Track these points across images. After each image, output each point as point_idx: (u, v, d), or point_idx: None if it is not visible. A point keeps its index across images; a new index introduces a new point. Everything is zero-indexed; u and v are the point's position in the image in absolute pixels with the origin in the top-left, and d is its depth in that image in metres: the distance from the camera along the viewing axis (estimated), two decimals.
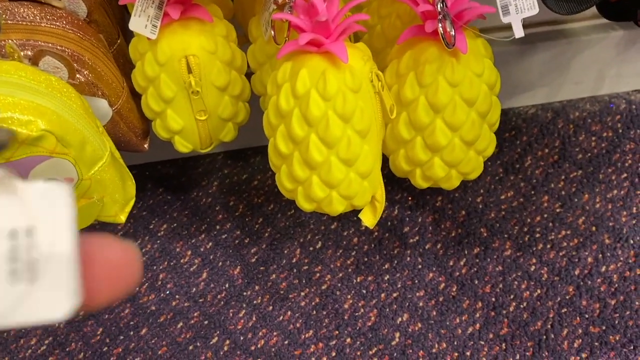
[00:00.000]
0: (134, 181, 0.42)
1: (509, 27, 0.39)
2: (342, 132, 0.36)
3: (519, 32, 0.37)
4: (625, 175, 0.61)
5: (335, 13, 0.34)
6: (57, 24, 0.37)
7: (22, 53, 0.35)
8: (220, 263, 0.58)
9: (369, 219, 0.41)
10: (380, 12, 0.41)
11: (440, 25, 0.35)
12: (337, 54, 0.34)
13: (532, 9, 0.37)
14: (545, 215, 0.59)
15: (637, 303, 0.53)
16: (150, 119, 0.44)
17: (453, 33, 0.35)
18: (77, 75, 0.36)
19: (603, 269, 0.55)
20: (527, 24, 0.62)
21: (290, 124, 0.36)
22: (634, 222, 0.58)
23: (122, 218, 0.41)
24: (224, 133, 0.45)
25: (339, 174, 0.37)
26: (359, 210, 0.49)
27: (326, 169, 0.37)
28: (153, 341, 0.53)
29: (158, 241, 0.59)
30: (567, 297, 0.54)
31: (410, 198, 0.60)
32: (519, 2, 0.36)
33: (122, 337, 0.54)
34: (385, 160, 0.48)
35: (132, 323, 0.54)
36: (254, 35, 0.42)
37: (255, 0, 0.42)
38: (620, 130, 0.64)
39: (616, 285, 0.54)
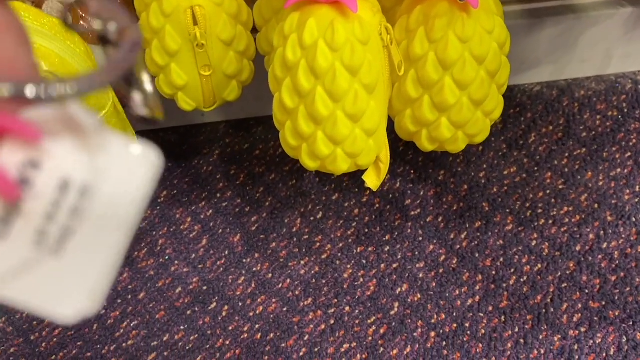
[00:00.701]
0: (135, 136, 0.42)
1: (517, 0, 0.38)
2: (349, 86, 0.35)
3: None
4: (629, 154, 0.60)
5: None
6: None
7: None
8: (221, 230, 0.57)
9: (372, 181, 0.41)
10: None
11: None
12: (347, 3, 0.34)
13: None
14: (548, 192, 0.58)
15: (637, 280, 0.53)
16: (153, 74, 0.43)
17: None
18: (81, 22, 0.35)
19: (604, 245, 0.55)
20: None
21: (296, 76, 0.36)
22: (636, 200, 0.57)
23: None
24: (227, 91, 0.44)
25: (344, 129, 0.36)
26: (362, 182, 0.49)
27: (331, 124, 0.36)
28: (151, 305, 0.53)
29: (158, 207, 0.59)
30: (568, 272, 0.53)
31: (412, 171, 0.60)
32: None
33: (120, 301, 0.53)
34: (390, 125, 0.48)
35: (130, 287, 0.54)
36: None
37: None
38: (626, 110, 0.64)
39: (617, 262, 0.54)
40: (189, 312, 0.53)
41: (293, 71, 0.36)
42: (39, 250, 0.14)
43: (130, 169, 0.15)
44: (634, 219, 0.56)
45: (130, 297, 0.54)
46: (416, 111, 0.39)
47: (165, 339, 0.51)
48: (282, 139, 0.39)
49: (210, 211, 0.58)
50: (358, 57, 0.35)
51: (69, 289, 0.14)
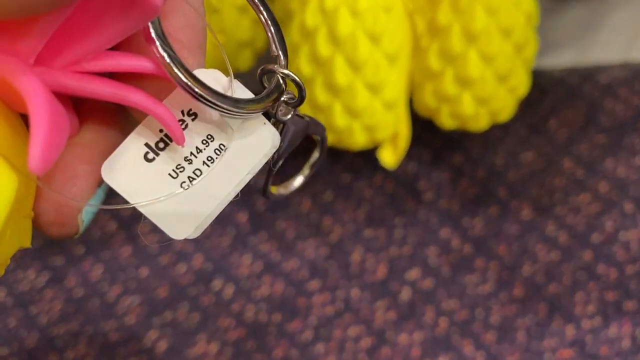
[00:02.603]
0: None
1: None
2: (370, 54, 0.33)
3: None
4: None
5: None
6: None
7: None
8: (227, 209, 0.56)
9: (389, 157, 0.39)
10: None
11: None
12: None
13: None
14: (567, 179, 0.56)
15: None
16: None
17: None
18: None
19: (622, 235, 0.53)
20: None
21: (315, 42, 0.34)
22: None
23: None
24: (241, 60, 0.42)
25: (363, 100, 0.35)
26: (374, 163, 0.47)
27: (350, 95, 0.34)
28: (154, 282, 0.52)
29: None
30: (584, 262, 0.52)
31: (427, 154, 0.58)
32: None
33: (122, 277, 0.52)
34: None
35: (133, 264, 0.53)
36: None
37: None
38: None
39: (634, 252, 0.52)
40: (192, 290, 0.51)
41: (312, 37, 0.34)
42: (172, 182, 0.18)
43: (258, 141, 0.18)
44: None
45: (133, 273, 0.52)
46: (437, 85, 0.37)
47: (167, 316, 0.50)
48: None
49: None
50: (380, 24, 0.33)
51: (184, 218, 0.19)
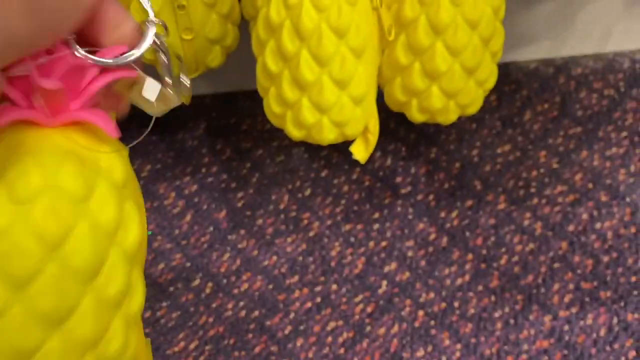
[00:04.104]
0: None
1: None
2: (336, 49, 0.33)
3: None
4: (625, 133, 0.59)
5: None
6: None
7: None
8: (205, 206, 0.56)
9: (360, 152, 0.39)
10: None
11: None
12: None
13: None
14: (542, 170, 0.57)
15: (630, 260, 0.52)
16: None
17: None
18: None
19: (598, 225, 0.54)
20: None
21: (280, 38, 0.34)
22: (631, 180, 0.56)
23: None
24: (211, 57, 0.42)
25: (330, 95, 0.35)
26: (352, 158, 0.47)
27: (317, 90, 0.35)
28: None
29: (141, 182, 0.57)
30: (560, 253, 0.52)
31: (403, 148, 0.58)
32: None
33: None
34: (380, 102, 0.46)
35: None
36: None
37: None
38: (623, 89, 0.62)
39: (610, 242, 0.53)
40: (171, 289, 0.51)
41: (277, 33, 0.34)
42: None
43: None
44: (628, 199, 0.55)
45: None
46: (406, 79, 0.37)
47: (146, 315, 0.50)
48: (266, 106, 0.38)
49: (195, 186, 0.57)
50: (345, 18, 0.33)
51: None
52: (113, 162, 0.25)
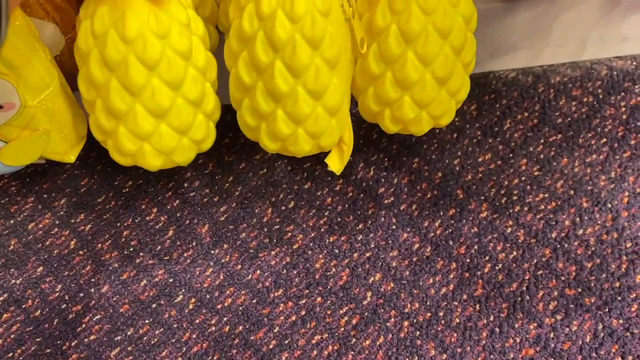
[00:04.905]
0: (86, 121, 0.40)
1: None
2: (310, 60, 0.34)
3: None
4: (604, 140, 0.60)
5: None
6: None
7: None
8: (188, 221, 0.55)
9: (335, 164, 0.39)
10: None
11: None
12: None
13: None
14: (523, 178, 0.57)
15: (613, 266, 0.52)
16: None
17: None
18: None
19: (580, 232, 0.54)
20: None
21: (253, 49, 0.34)
22: (612, 186, 0.57)
23: (72, 157, 0.38)
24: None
25: (305, 107, 0.35)
26: (328, 164, 0.47)
27: (292, 101, 0.35)
28: (115, 299, 0.51)
29: (123, 197, 0.57)
30: (544, 260, 0.52)
31: (386, 159, 0.59)
32: None
33: (82, 295, 0.51)
34: (357, 112, 0.46)
35: (92, 280, 0.52)
36: None
37: None
38: (601, 96, 0.63)
39: (593, 248, 0.53)
40: (154, 306, 0.51)
41: (250, 44, 0.34)
42: None
43: None
44: (609, 205, 0.55)
45: (92, 290, 0.51)
46: (378, 89, 0.37)
47: (129, 333, 0.49)
48: (240, 119, 0.38)
49: (177, 201, 0.56)
50: (319, 29, 0.33)
51: None
52: (179, 11, 0.35)
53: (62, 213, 0.56)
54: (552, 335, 0.49)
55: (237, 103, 0.37)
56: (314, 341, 0.49)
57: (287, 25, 0.32)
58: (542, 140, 0.60)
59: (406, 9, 0.34)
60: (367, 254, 0.53)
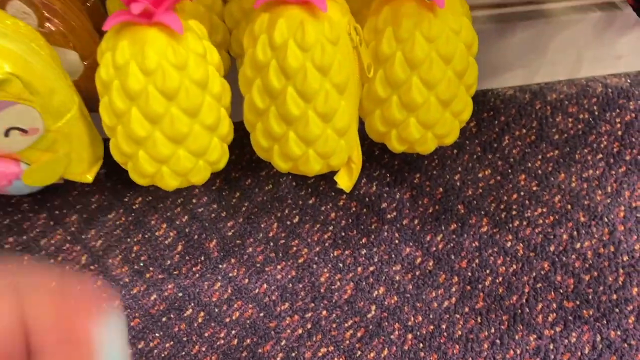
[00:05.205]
0: (102, 142, 0.41)
1: (488, 5, 0.39)
2: (320, 85, 0.35)
3: None
4: (600, 155, 0.61)
5: None
6: None
7: None
8: (196, 236, 0.57)
9: (345, 182, 0.41)
10: None
11: None
12: (316, 3, 0.34)
13: None
14: (522, 193, 0.59)
15: (610, 279, 0.54)
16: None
17: None
18: (47, 24, 0.35)
19: (578, 245, 0.56)
20: (505, 2, 0.62)
21: (267, 76, 0.36)
22: (608, 200, 0.58)
23: (89, 177, 0.40)
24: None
25: (316, 129, 0.37)
26: (338, 182, 0.49)
27: (303, 124, 0.36)
28: (125, 313, 0.52)
29: (133, 214, 0.58)
30: (542, 273, 0.54)
31: (388, 174, 0.60)
32: None
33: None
34: (362, 129, 0.48)
35: (104, 295, 0.53)
36: None
37: None
38: (597, 113, 0.65)
39: (590, 261, 0.55)
40: (164, 319, 0.52)
41: (263, 71, 0.36)
42: None
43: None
44: (606, 219, 0.57)
45: (104, 305, 0.53)
46: (385, 111, 0.39)
47: (140, 346, 0.50)
48: (254, 140, 0.39)
49: (186, 217, 0.58)
50: (328, 56, 0.35)
51: None
52: (195, 42, 0.37)
53: (73, 229, 0.57)
54: (551, 347, 0.50)
55: (251, 126, 0.39)
56: (320, 354, 0.50)
57: (298, 54, 0.34)
58: (539, 156, 0.61)
59: (410, 38, 0.36)
60: (371, 268, 0.54)
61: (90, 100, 0.42)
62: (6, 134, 0.35)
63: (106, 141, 0.50)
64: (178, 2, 0.34)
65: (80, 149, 0.39)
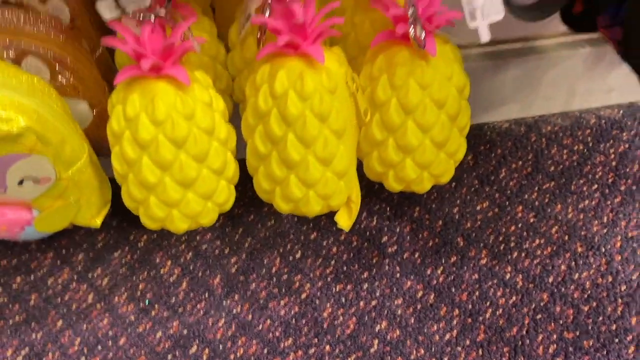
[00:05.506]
0: (110, 186, 0.42)
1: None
2: (319, 132, 0.37)
3: (485, 37, 0.39)
4: (595, 186, 0.63)
5: (312, 16, 0.36)
6: (41, 27, 0.38)
7: (5, 54, 0.36)
8: (200, 273, 0.58)
9: (344, 221, 0.42)
10: (354, 20, 0.43)
11: (411, 27, 0.37)
12: (314, 56, 0.35)
13: (498, 14, 0.39)
14: (520, 225, 0.60)
15: (609, 309, 0.54)
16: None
17: (423, 36, 0.37)
18: (59, 77, 0.37)
19: (576, 276, 0.56)
20: (499, 40, 0.64)
21: (268, 123, 0.37)
22: (604, 231, 0.59)
23: (98, 222, 0.41)
24: None
25: (316, 172, 0.38)
26: (338, 221, 0.50)
27: (304, 168, 0.38)
28: (131, 351, 0.53)
29: (138, 252, 0.59)
30: (542, 304, 0.55)
31: (388, 209, 0.61)
32: (485, 7, 0.38)
33: (100, 347, 0.53)
34: (360, 167, 0.49)
35: (110, 333, 0.54)
36: (233, 41, 0.44)
37: (235, 6, 0.43)
38: (591, 144, 0.66)
39: (589, 292, 0.55)
40: (169, 357, 0.53)
41: (265, 119, 0.37)
42: None
43: None
44: (603, 249, 0.58)
45: (110, 343, 0.53)
46: (382, 153, 0.41)
47: None
48: (256, 183, 0.41)
49: (190, 254, 0.59)
50: (326, 105, 0.37)
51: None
52: (202, 92, 0.39)
53: (80, 268, 0.58)
54: None
55: (254, 169, 0.40)
56: None
57: (297, 103, 0.36)
58: (536, 188, 0.63)
59: (404, 85, 0.38)
60: (373, 302, 0.55)
61: (99, 145, 0.43)
62: (20, 183, 0.36)
63: (112, 182, 0.51)
64: (184, 55, 0.36)
65: (90, 194, 0.40)
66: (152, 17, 0.35)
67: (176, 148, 0.36)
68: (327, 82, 0.36)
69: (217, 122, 0.37)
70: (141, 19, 0.34)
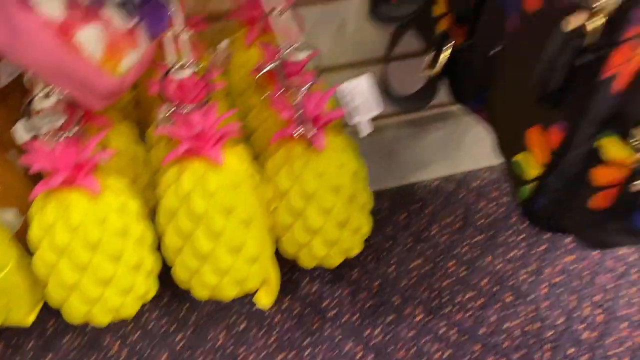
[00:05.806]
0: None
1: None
2: (225, 224, 0.40)
3: (365, 132, 0.43)
4: (522, 236, 0.66)
5: (211, 123, 0.39)
6: None
7: None
8: (148, 351, 0.60)
9: (263, 301, 0.45)
10: (260, 117, 0.47)
11: (300, 127, 0.41)
12: (213, 158, 0.39)
13: (377, 109, 0.43)
14: (452, 279, 0.63)
15: (537, 355, 0.57)
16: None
17: (310, 134, 0.41)
18: None
19: (505, 325, 0.59)
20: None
21: (177, 221, 0.40)
22: (531, 279, 0.63)
23: (29, 320, 0.43)
24: None
25: (227, 261, 0.41)
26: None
27: (214, 258, 0.41)
28: None
29: (87, 336, 0.61)
30: (475, 356, 0.57)
31: (327, 272, 0.64)
32: (361, 107, 0.43)
33: None
34: None
35: None
36: (151, 142, 0.47)
37: (152, 108, 0.46)
38: None
39: (518, 340, 0.58)
40: None
41: (175, 217, 0.41)
42: None
43: None
44: (530, 297, 0.61)
45: None
46: (292, 235, 0.44)
47: None
48: (174, 274, 0.44)
49: (138, 333, 0.61)
50: (230, 199, 0.40)
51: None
52: (112, 198, 0.41)
53: (30, 356, 0.59)
54: None
55: (171, 261, 0.43)
56: None
57: (202, 201, 0.39)
58: (467, 242, 0.66)
59: (302, 174, 0.42)
60: None
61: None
62: None
63: None
64: (97, 165, 0.39)
65: (18, 298, 0.42)
66: (65, 135, 0.38)
67: (91, 251, 0.39)
68: (230, 178, 0.40)
69: (130, 223, 0.40)
70: (55, 138, 0.38)
